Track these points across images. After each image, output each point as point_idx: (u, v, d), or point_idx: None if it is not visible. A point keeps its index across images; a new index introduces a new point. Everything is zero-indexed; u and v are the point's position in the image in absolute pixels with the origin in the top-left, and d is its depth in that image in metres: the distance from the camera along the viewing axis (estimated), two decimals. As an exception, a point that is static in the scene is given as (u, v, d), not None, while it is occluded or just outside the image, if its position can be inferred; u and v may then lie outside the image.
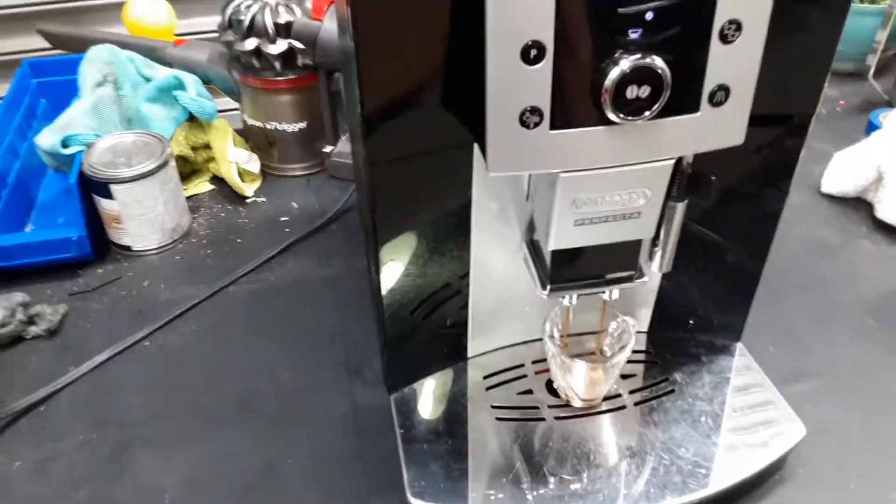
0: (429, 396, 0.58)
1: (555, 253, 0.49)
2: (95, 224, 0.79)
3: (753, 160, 0.52)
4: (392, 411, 0.57)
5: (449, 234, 0.53)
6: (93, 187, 0.76)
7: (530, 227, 0.54)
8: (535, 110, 0.40)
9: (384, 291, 0.53)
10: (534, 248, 0.54)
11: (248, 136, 0.93)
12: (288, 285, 0.76)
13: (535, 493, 0.51)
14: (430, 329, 0.58)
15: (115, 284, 0.77)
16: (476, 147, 0.45)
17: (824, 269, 0.77)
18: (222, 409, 0.63)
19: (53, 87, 0.96)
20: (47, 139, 0.78)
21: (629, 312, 0.58)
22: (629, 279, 0.52)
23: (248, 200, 0.88)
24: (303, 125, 0.88)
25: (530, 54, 0.38)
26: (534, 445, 0.55)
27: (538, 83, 0.39)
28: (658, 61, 0.39)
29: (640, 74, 0.39)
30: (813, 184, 0.89)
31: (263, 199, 0.89)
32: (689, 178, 0.48)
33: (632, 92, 0.39)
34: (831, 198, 0.87)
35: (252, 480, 0.57)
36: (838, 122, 1.02)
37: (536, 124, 0.40)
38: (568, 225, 0.46)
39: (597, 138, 0.41)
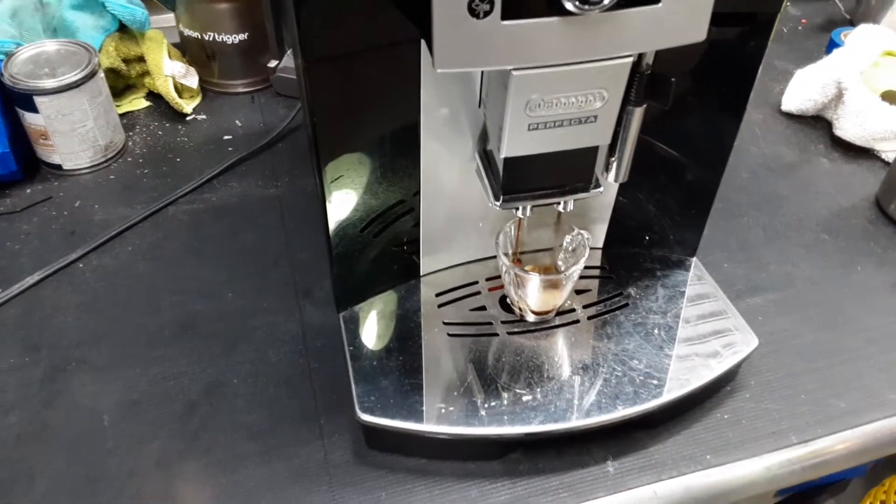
0: (379, 314, 0.57)
1: (508, 161, 0.47)
2: (22, 141, 0.73)
3: (715, 63, 0.49)
4: (341, 329, 0.55)
5: (397, 144, 0.50)
6: (15, 99, 0.70)
7: (483, 137, 0.51)
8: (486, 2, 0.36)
9: (329, 206, 0.50)
10: (487, 159, 0.51)
11: (186, 49, 0.87)
12: (231, 206, 0.73)
13: (487, 405, 0.50)
14: (381, 247, 0.55)
15: (45, 205, 0.72)
16: (423, 45, 0.42)
17: (780, 187, 0.76)
18: (162, 330, 0.60)
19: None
20: (-39, 46, 0.72)
21: (585, 228, 0.56)
22: (584, 188, 0.50)
23: (187, 118, 0.83)
24: (243, 36, 0.83)
25: (479, -69, 0.34)
26: (487, 360, 0.53)
27: (488, -35, 0.35)
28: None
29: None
30: (773, 102, 0.88)
31: (204, 117, 0.84)
32: (647, 81, 0.46)
33: None
34: (791, 116, 0.86)
35: (195, 400, 0.55)
36: (800, 40, 1.00)
37: (486, 13, 0.37)
38: (521, 130, 0.44)
39: (552, 31, 0.38)
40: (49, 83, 0.69)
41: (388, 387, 0.51)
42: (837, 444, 0.53)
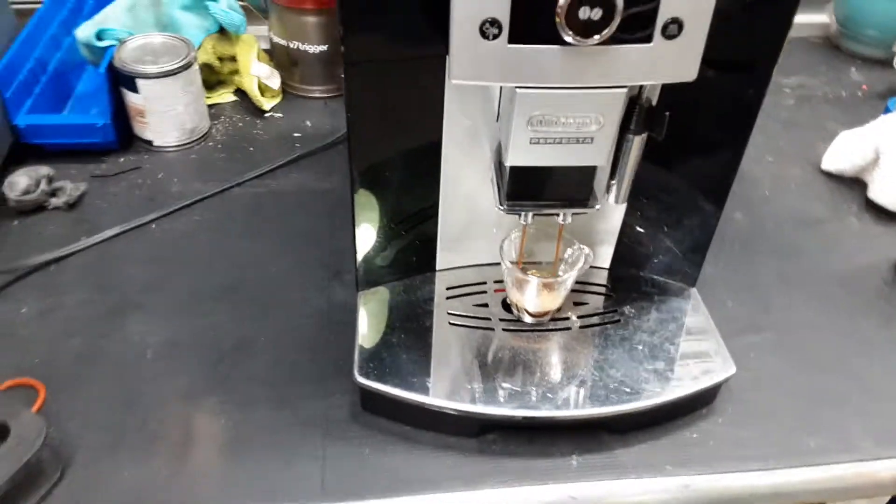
0: (392, 298, 0.63)
1: (512, 170, 0.53)
2: (122, 116, 0.85)
3: (715, 104, 0.54)
4: (357, 305, 0.62)
5: (421, 148, 0.57)
6: (121, 80, 0.82)
7: (498, 149, 0.58)
8: (494, 22, 0.43)
9: (357, 197, 0.58)
10: (499, 169, 0.57)
11: (273, 54, 0.98)
12: (288, 193, 0.82)
13: (470, 387, 0.56)
14: (402, 239, 0.62)
15: (133, 173, 0.83)
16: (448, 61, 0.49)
17: (804, 240, 0.79)
18: (211, 289, 0.69)
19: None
20: (84, 31, 0.84)
21: (591, 247, 0.61)
22: (582, 204, 0.55)
23: (265, 114, 0.93)
24: (324, 47, 0.93)
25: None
26: (479, 350, 0.59)
27: (499, -2, 0.42)
28: (611, -13, 0.42)
29: (593, -3, 0.42)
30: (815, 161, 0.90)
31: (280, 115, 0.94)
32: (645, 112, 0.51)
33: (584, 13, 0.42)
34: (830, 175, 0.88)
35: (225, 350, 0.63)
36: (857, 105, 1.02)
37: (496, 36, 0.43)
38: (524, 142, 0.50)
39: (552, 57, 0.44)
40: (151, 69, 0.81)
41: (387, 358, 0.57)
42: (796, 479, 0.55)
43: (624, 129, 0.52)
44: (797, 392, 0.61)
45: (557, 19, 0.43)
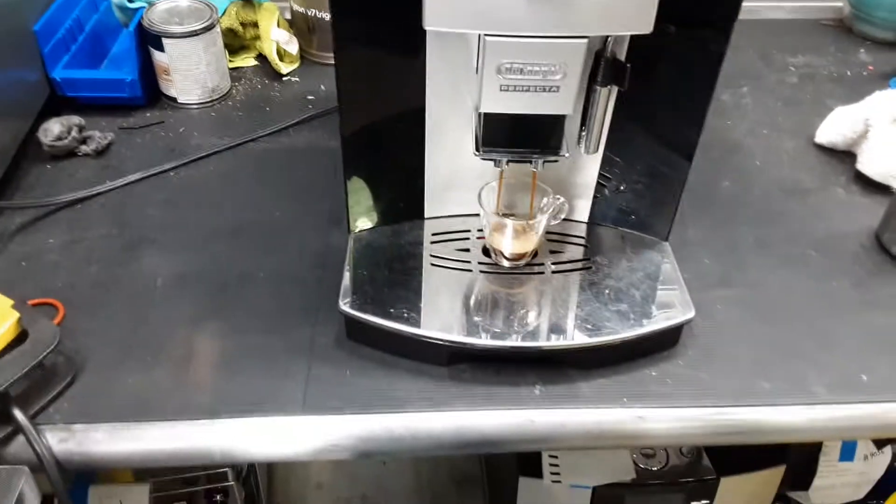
0: (381, 240, 0.68)
1: (486, 116, 0.57)
2: (150, 74, 0.92)
3: (678, 59, 0.57)
4: (347, 246, 0.67)
5: (406, 101, 0.62)
6: (149, 40, 0.89)
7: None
8: None
9: (345, 145, 0.62)
10: (478, 117, 0.62)
11: (294, 22, 1.03)
12: (298, 149, 0.87)
13: (444, 319, 0.60)
14: (390, 187, 0.67)
15: (157, 127, 0.90)
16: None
17: (789, 207, 0.81)
18: (219, 229, 0.75)
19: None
20: (118, -6, 0.91)
21: (570, 201, 0.65)
22: (553, 152, 0.59)
23: (283, 78, 0.99)
24: (340, 15, 0.98)
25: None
26: (457, 288, 0.64)
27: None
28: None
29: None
30: (811, 135, 0.92)
31: (297, 80, 0.99)
32: (609, 64, 0.55)
33: None
34: (822, 148, 0.90)
35: (227, 282, 0.69)
36: (860, 85, 1.03)
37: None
38: (495, 89, 0.54)
39: (516, 4, 0.49)
40: (176, 29, 0.87)
41: (370, 291, 0.63)
42: (748, 418, 0.59)
43: (591, 81, 0.56)
44: (758, 342, 0.65)
45: None
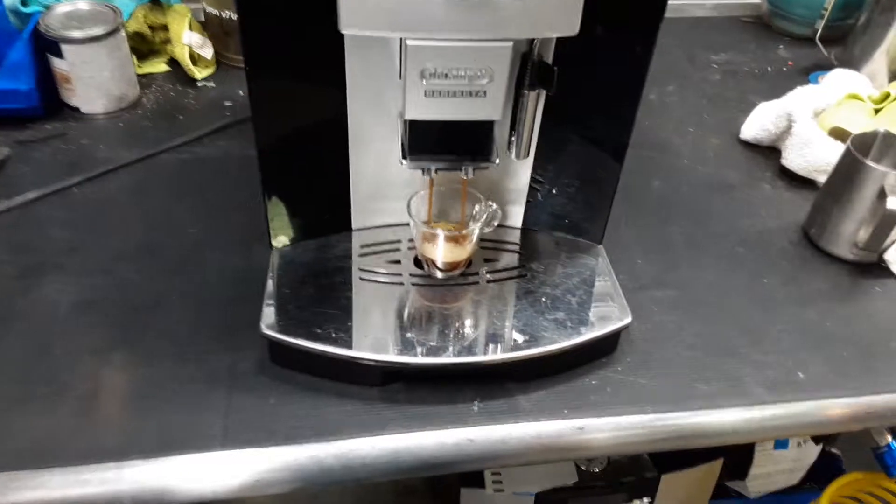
0: (306, 255, 0.64)
1: (411, 123, 0.54)
2: (49, 83, 0.85)
3: (606, 61, 0.56)
4: (271, 259, 0.63)
5: (327, 109, 0.58)
6: (46, 46, 0.82)
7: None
8: None
9: (264, 156, 0.59)
10: (403, 125, 0.59)
11: (207, 25, 0.98)
12: (214, 160, 0.82)
13: (374, 337, 0.57)
14: (312, 196, 0.63)
15: (58, 139, 0.83)
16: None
17: (716, 205, 0.81)
18: (128, 250, 0.70)
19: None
20: (9, -3, 0.84)
21: (503, 207, 0.63)
22: (483, 159, 0.57)
23: (198, 84, 0.94)
24: (255, 17, 0.93)
25: None
26: (387, 304, 0.61)
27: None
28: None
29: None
30: (734, 131, 0.93)
31: (213, 85, 0.94)
32: (536, 67, 0.53)
33: None
34: (747, 144, 0.91)
35: (138, 307, 0.64)
36: (782, 80, 1.05)
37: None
38: (419, 95, 0.51)
39: (436, 7, 0.46)
40: (76, 34, 0.80)
41: (295, 311, 0.59)
42: (689, 420, 0.58)
43: (519, 85, 0.54)
44: (694, 344, 0.64)
45: None
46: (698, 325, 0.66)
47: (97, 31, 0.81)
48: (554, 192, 0.66)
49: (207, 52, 0.94)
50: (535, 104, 0.56)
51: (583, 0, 0.47)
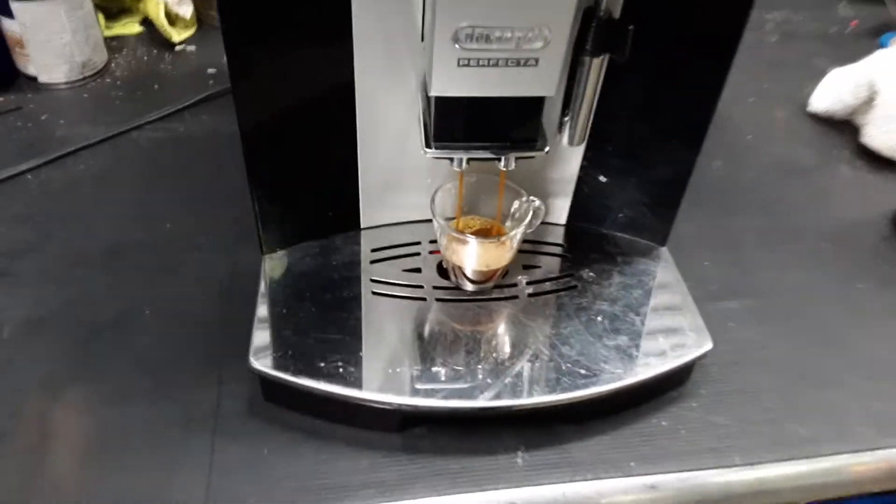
0: (306, 262, 0.52)
1: (438, 101, 0.42)
2: (1, 47, 0.72)
3: (690, 17, 0.43)
4: (260, 272, 0.51)
5: (327, 75, 0.46)
6: (-8, 4, 0.69)
7: (424, 77, 0.46)
8: None
9: (248, 137, 0.46)
10: (428, 102, 0.46)
11: (187, -23, 0.84)
12: (196, 138, 0.70)
13: (393, 371, 0.45)
14: (312, 188, 0.51)
15: (12, 114, 0.71)
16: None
17: (790, 191, 0.69)
18: (90, 251, 0.58)
19: None
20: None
21: (545, 200, 0.51)
22: (529, 146, 0.44)
23: (176, 48, 0.81)
24: (242, -32, 0.79)
25: None
26: (406, 326, 0.49)
27: None
28: None
29: None
30: (801, 101, 0.80)
31: (193, 49, 0.81)
32: (604, 26, 0.40)
33: None
34: (817, 118, 0.78)
35: (100, 328, 0.52)
36: (847, 42, 0.92)
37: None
38: (450, 65, 0.39)
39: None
40: (26, -11, 0.67)
41: (291, 337, 0.47)
42: (786, 472, 0.46)
43: (579, 50, 0.41)
44: (783, 370, 0.52)
45: None
46: (784, 343, 0.54)
47: (53, -16, 0.68)
48: (610, 182, 0.53)
49: (186, 10, 0.81)
50: (598, 75, 0.43)
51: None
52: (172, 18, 0.81)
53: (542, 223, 0.54)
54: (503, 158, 0.45)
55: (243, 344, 0.49)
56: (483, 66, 0.39)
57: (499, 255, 0.49)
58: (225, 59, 0.75)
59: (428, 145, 0.44)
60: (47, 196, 0.62)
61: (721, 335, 0.53)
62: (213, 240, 0.59)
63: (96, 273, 0.56)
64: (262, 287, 0.50)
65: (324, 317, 0.48)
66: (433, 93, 0.40)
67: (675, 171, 0.51)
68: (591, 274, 0.53)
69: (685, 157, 0.50)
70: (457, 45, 0.38)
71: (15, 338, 0.51)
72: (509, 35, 0.38)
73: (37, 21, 0.69)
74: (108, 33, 0.80)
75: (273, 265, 0.52)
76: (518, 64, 0.39)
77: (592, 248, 0.55)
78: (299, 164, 0.49)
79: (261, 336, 0.47)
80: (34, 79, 0.73)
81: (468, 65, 0.39)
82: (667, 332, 0.49)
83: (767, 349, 0.54)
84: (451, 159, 0.45)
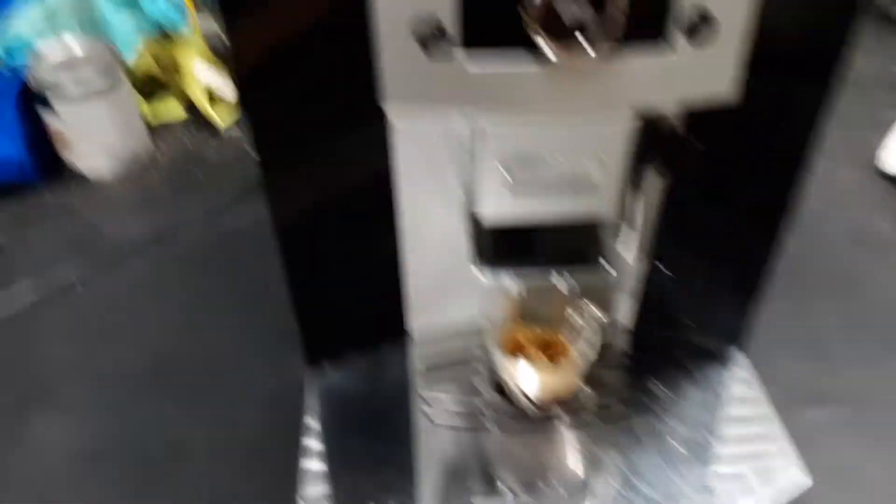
0: (353, 382, 0.50)
1: (491, 226, 0.39)
2: (44, 143, 0.72)
3: (760, 121, 0.39)
4: (307, 399, 0.49)
5: (367, 181, 0.43)
6: (37, 101, 0.69)
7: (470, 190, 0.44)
8: (434, 26, 0.29)
9: (286, 240, 0.44)
10: (475, 221, 0.43)
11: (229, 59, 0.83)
12: (243, 232, 0.68)
13: (454, 516, 0.43)
14: (356, 292, 0.49)
15: (58, 213, 0.70)
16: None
17: (868, 267, 0.64)
18: (139, 371, 0.56)
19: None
20: (-9, 46, 0.71)
21: (606, 303, 0.47)
22: (588, 262, 0.41)
23: (222, 133, 0.79)
24: (283, 49, 0.78)
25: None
26: (466, 459, 0.46)
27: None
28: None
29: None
30: (870, 158, 0.75)
31: (240, 133, 0.80)
32: (668, 142, 0.37)
33: (568, 10, 0.28)
34: (891, 179, 0.73)
35: (151, 460, 0.50)
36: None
37: (438, 41, 0.29)
38: (499, 192, 0.36)
39: (523, 74, 0.30)
40: (71, 87, 0.67)
41: (341, 474, 0.44)
42: None
43: (640, 164, 0.38)
44: (887, 496, 0.47)
45: (529, 23, 0.28)
46: (887, 462, 0.49)
47: (95, 81, 0.68)
48: (679, 282, 0.50)
49: (228, 91, 0.80)
50: (663, 191, 0.40)
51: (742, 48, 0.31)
52: (215, 100, 0.80)
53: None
54: (561, 277, 0.42)
55: (293, 474, 0.46)
56: (535, 192, 0.36)
57: (562, 382, 0.46)
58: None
59: (478, 265, 0.41)
60: (97, 309, 0.61)
61: (810, 455, 0.48)
62: (258, 348, 0.58)
63: (146, 394, 0.55)
64: (308, 413, 0.48)
65: (375, 450, 0.46)
66: (482, 219, 0.38)
67: (752, 267, 0.47)
68: (661, 388, 0.49)
69: (763, 251, 0.46)
70: (506, 172, 0.35)
71: (71, 474, 0.50)
72: (563, 160, 0.35)
73: (80, 118, 0.68)
74: (152, 120, 0.79)
75: (320, 388, 0.49)
76: (573, 188, 0.36)
77: (660, 354, 0.51)
78: (341, 264, 0.47)
79: (309, 473, 0.44)
80: (79, 174, 0.73)
81: (519, 192, 0.36)
82: (754, 461, 0.45)
83: (867, 471, 0.49)
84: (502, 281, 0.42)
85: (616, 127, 0.34)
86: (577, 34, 0.28)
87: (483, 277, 0.41)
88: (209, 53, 0.80)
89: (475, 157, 0.35)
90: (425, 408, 0.48)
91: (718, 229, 0.45)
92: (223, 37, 0.81)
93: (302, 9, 0.33)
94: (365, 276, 0.48)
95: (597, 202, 0.37)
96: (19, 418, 0.53)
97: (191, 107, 0.82)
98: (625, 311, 0.52)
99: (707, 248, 0.47)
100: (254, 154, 0.40)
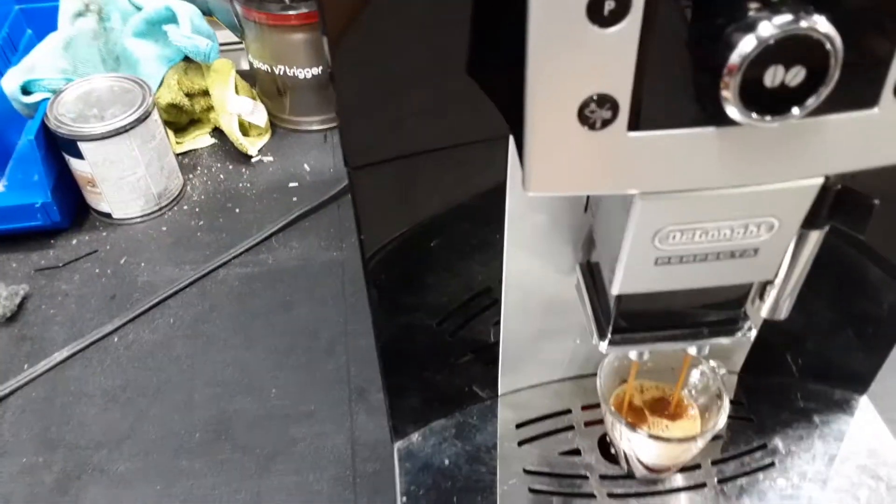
0: (444, 448, 0.45)
1: (621, 297, 0.34)
2: (71, 186, 0.67)
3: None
4: (395, 466, 0.44)
5: (470, 235, 0.38)
6: (61, 144, 0.63)
7: (587, 246, 0.39)
8: (605, 100, 0.24)
9: (376, 300, 0.39)
10: (591, 274, 0.38)
11: (255, 82, 0.78)
12: (288, 270, 0.63)
13: None
14: (447, 358, 0.44)
15: (88, 259, 0.65)
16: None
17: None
18: (192, 434, 0.51)
19: (40, 14, 0.82)
20: (9, 83, 0.66)
21: (727, 354, 0.42)
22: (728, 331, 0.36)
23: (252, 159, 0.75)
24: (318, 70, 0.73)
25: (604, 8, 0.22)
26: (575, 532, 0.41)
27: (614, 56, 0.23)
28: (824, 26, 0.22)
29: (791, 49, 0.22)
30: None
31: (270, 159, 0.75)
32: (837, 198, 0.32)
33: (774, 77, 0.23)
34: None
35: (216, 540, 0.45)
36: None
37: (606, 122, 0.24)
38: (644, 265, 0.31)
39: (705, 146, 0.25)
40: (96, 127, 0.62)
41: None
42: None
43: (805, 223, 0.33)
44: None
45: (724, 91, 0.23)
46: None
47: (123, 118, 0.62)
48: (795, 322, 0.44)
49: (260, 118, 0.75)
50: (817, 245, 0.34)
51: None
52: (245, 128, 0.75)
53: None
54: (695, 347, 0.37)
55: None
56: (686, 262, 0.31)
57: (684, 453, 0.41)
58: (307, 167, 0.69)
59: (601, 337, 0.36)
60: (137, 361, 0.56)
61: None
62: (322, 403, 0.53)
63: (202, 461, 0.49)
64: (399, 491, 0.43)
65: (476, 527, 0.41)
66: (618, 292, 0.32)
67: (883, 302, 0.42)
68: (784, 444, 0.44)
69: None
70: (656, 243, 0.30)
71: (122, 560, 0.45)
72: (728, 231, 0.29)
73: (108, 159, 0.63)
74: (180, 149, 0.74)
75: (406, 456, 0.44)
76: (732, 256, 0.31)
77: (777, 403, 0.46)
78: (435, 341, 0.42)
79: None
80: (107, 215, 0.68)
81: (668, 262, 0.31)
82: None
83: None
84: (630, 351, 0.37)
85: (803, 190, 0.29)
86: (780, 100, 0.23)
87: (606, 350, 0.36)
88: (239, 80, 0.75)
89: (619, 226, 0.30)
90: (524, 475, 0.43)
91: (864, 279, 0.40)
92: (251, 62, 0.76)
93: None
94: (459, 344, 0.43)
95: (756, 267, 0.32)
96: (66, 496, 0.48)
97: (215, 132, 0.77)
98: (737, 354, 0.47)
99: (836, 284, 0.42)
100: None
